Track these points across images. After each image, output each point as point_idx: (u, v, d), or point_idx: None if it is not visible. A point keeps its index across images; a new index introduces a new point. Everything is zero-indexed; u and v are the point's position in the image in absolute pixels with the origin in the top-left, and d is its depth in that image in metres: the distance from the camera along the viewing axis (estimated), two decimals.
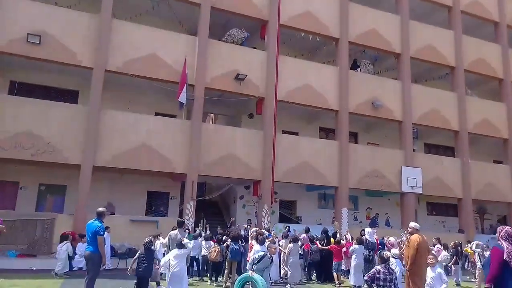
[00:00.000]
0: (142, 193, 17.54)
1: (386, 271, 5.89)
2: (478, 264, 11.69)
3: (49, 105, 14.15)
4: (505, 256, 4.84)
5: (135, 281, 7.76)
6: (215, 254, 10.63)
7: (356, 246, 11.25)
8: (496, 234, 5.21)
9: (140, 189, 17.33)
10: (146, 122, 15.30)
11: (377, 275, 5.89)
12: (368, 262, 11.25)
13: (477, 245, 12.11)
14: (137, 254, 7.70)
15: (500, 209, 23.83)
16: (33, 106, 13.86)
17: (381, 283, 5.68)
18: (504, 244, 4.98)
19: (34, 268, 11.63)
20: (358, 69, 19.62)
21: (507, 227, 5.17)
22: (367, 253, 11.56)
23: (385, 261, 6.19)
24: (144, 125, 15.15)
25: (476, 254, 11.89)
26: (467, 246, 14.39)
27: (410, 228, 8.08)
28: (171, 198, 18.34)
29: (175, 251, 7.79)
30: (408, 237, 8.24)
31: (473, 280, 12.85)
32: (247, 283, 7.92)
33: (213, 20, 16.64)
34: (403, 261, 8.04)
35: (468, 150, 20.68)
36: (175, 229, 9.95)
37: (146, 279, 7.53)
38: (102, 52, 14.59)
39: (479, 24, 23.15)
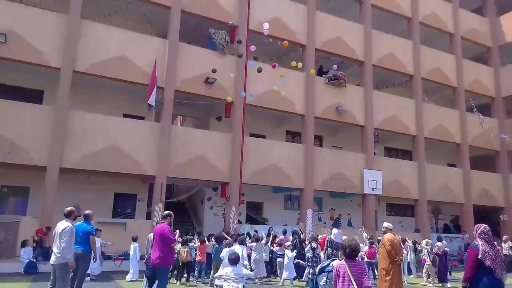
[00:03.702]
0: (109, 195, 17.42)
1: (314, 256, 9.97)
2: (427, 261, 12.67)
3: (15, 105, 13.81)
4: (479, 256, 5.02)
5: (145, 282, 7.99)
6: (185, 255, 10.89)
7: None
8: (474, 232, 5.38)
9: (107, 191, 17.20)
10: (115, 124, 15.27)
11: (309, 258, 9.94)
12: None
13: (427, 243, 13.10)
14: (146, 256, 7.87)
15: (453, 209, 25.34)
16: None
17: (310, 263, 9.84)
18: (480, 242, 5.13)
19: None
20: (324, 75, 20.24)
21: (483, 225, 5.30)
22: (331, 251, 12.20)
23: (314, 249, 10.19)
24: (113, 127, 15.11)
25: (425, 251, 12.86)
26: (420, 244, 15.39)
27: (383, 228, 8.69)
28: (138, 200, 18.32)
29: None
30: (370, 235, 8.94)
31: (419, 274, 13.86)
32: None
33: (184, 23, 16.80)
34: (378, 260, 8.66)
35: (424, 154, 21.92)
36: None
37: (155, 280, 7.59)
38: (70, 53, 14.43)
39: (436, 35, 24.55)
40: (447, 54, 24.26)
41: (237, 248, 10.35)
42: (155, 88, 15.24)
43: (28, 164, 13.85)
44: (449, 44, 24.76)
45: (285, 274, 11.69)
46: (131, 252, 11.65)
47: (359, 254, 12.19)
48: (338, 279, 4.53)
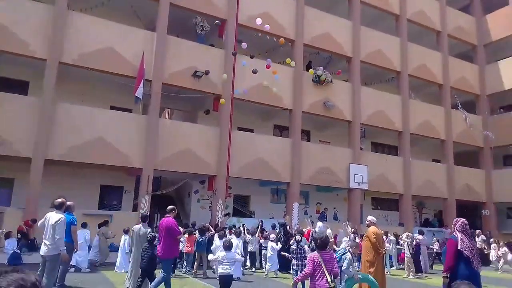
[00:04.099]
0: (95, 187, 17.37)
1: (298, 248, 9.57)
2: (407, 253, 12.97)
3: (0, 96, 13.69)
4: (459, 246, 5.25)
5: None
6: None
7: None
8: (452, 226, 5.66)
9: (93, 183, 17.16)
10: (101, 116, 15.22)
11: (294, 251, 9.56)
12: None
13: (407, 236, 13.39)
14: (142, 248, 7.93)
15: (437, 204, 25.81)
16: None
17: (294, 255, 9.47)
18: (459, 235, 5.39)
19: None
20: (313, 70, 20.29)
21: (462, 219, 5.58)
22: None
23: (298, 242, 9.81)
24: (100, 119, 15.06)
25: (406, 244, 13.15)
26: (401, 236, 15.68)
27: (367, 221, 8.96)
28: (125, 192, 18.30)
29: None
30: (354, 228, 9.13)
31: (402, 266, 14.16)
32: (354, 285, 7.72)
33: (172, 16, 16.74)
34: (362, 252, 8.83)
35: (410, 149, 22.26)
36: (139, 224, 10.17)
37: (150, 272, 7.58)
38: (56, 44, 14.31)
39: (423, 32, 24.82)
40: (433, 51, 24.56)
41: (234, 240, 10.69)
42: (142, 80, 15.20)
43: (13, 156, 13.75)
44: (436, 42, 25.06)
45: (268, 266, 11.89)
46: (121, 244, 11.65)
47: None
48: (313, 268, 4.98)
